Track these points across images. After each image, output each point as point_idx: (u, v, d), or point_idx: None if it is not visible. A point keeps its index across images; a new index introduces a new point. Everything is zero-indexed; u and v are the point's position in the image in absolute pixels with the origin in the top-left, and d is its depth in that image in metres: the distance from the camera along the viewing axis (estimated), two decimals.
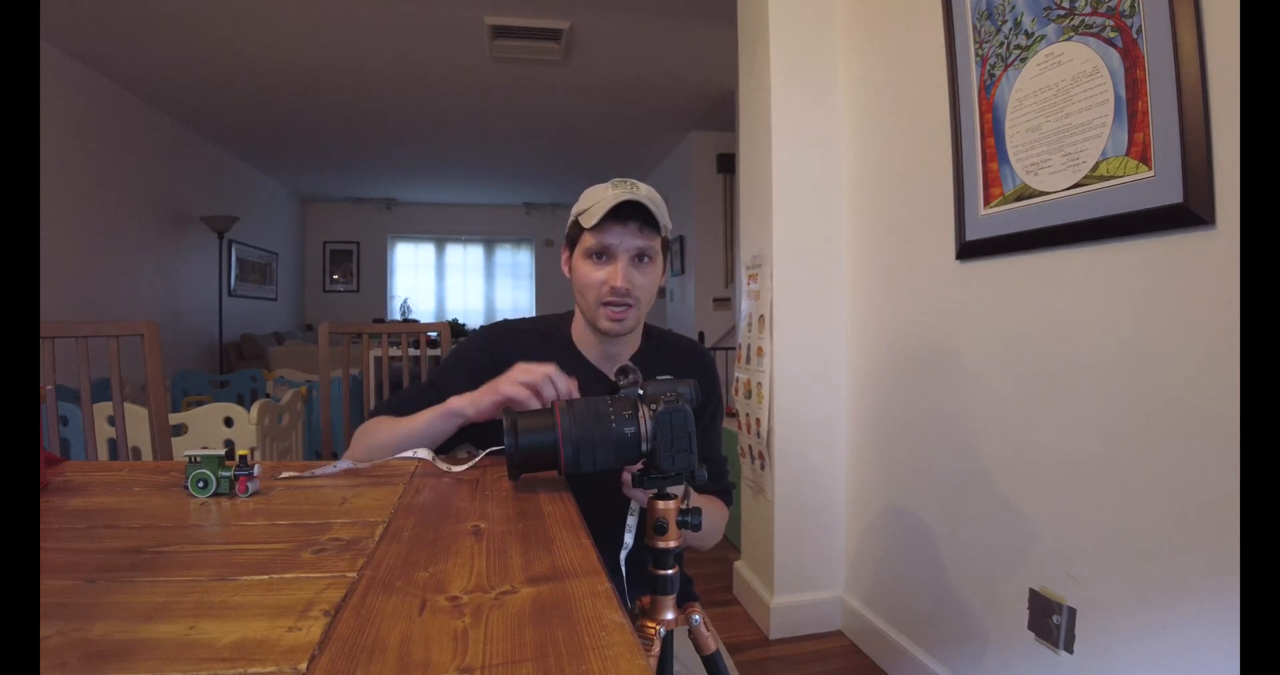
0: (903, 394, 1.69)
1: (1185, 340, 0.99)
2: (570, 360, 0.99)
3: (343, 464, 0.82)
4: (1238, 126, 0.89)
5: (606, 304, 0.92)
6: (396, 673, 0.34)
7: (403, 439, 0.89)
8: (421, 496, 0.72)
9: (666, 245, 0.99)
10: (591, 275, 0.93)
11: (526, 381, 0.81)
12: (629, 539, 0.76)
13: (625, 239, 0.91)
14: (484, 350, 1.01)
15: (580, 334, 1.03)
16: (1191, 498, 0.98)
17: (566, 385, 0.81)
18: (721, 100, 4.60)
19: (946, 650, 1.52)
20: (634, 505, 0.77)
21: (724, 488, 1.02)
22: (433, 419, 0.88)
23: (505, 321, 1.09)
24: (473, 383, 0.88)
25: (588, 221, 0.91)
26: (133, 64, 3.99)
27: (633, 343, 1.03)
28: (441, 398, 0.90)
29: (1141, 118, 1.03)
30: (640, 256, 0.93)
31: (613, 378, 0.74)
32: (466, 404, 0.86)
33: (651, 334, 1.06)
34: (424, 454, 0.86)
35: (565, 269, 1.00)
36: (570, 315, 1.06)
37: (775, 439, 1.92)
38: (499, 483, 0.78)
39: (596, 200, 0.91)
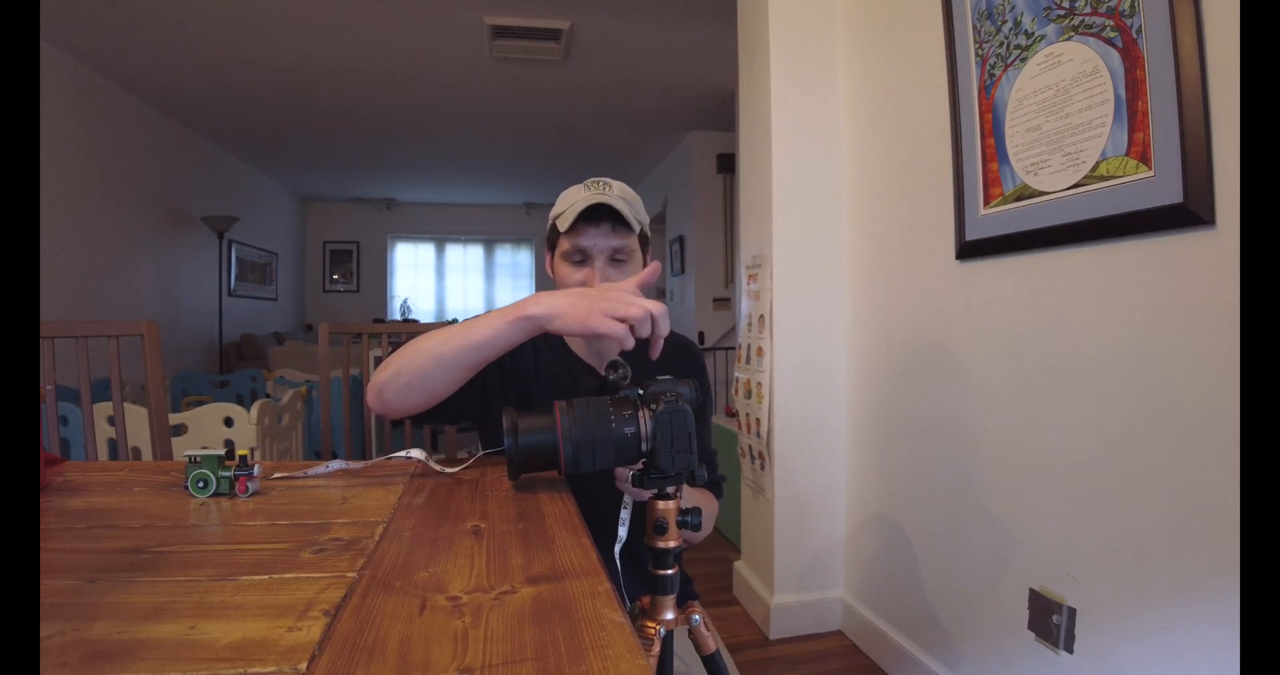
0: (903, 394, 1.69)
1: (1185, 340, 0.98)
2: (561, 356, 1.00)
3: (335, 464, 0.82)
4: (1238, 126, 0.89)
5: None
6: (396, 673, 0.34)
7: (461, 350, 0.79)
8: (421, 496, 0.71)
9: (646, 240, 1.00)
10: (571, 277, 0.94)
11: (625, 316, 0.73)
12: (622, 532, 0.76)
13: (599, 240, 0.92)
14: None
15: None
16: (1191, 498, 0.98)
17: (664, 328, 0.75)
18: (721, 100, 4.60)
19: (946, 650, 1.52)
20: (626, 498, 0.77)
21: (715, 480, 1.04)
22: (499, 325, 0.78)
23: None
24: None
25: (562, 225, 0.93)
26: (133, 64, 3.99)
27: None
28: None
29: (1141, 118, 1.03)
30: (615, 256, 0.94)
31: (603, 373, 0.74)
32: (546, 315, 0.76)
33: None
34: (416, 454, 0.86)
35: (549, 270, 1.01)
36: None
37: (775, 439, 1.92)
38: (499, 483, 0.78)
39: (570, 203, 0.93)
